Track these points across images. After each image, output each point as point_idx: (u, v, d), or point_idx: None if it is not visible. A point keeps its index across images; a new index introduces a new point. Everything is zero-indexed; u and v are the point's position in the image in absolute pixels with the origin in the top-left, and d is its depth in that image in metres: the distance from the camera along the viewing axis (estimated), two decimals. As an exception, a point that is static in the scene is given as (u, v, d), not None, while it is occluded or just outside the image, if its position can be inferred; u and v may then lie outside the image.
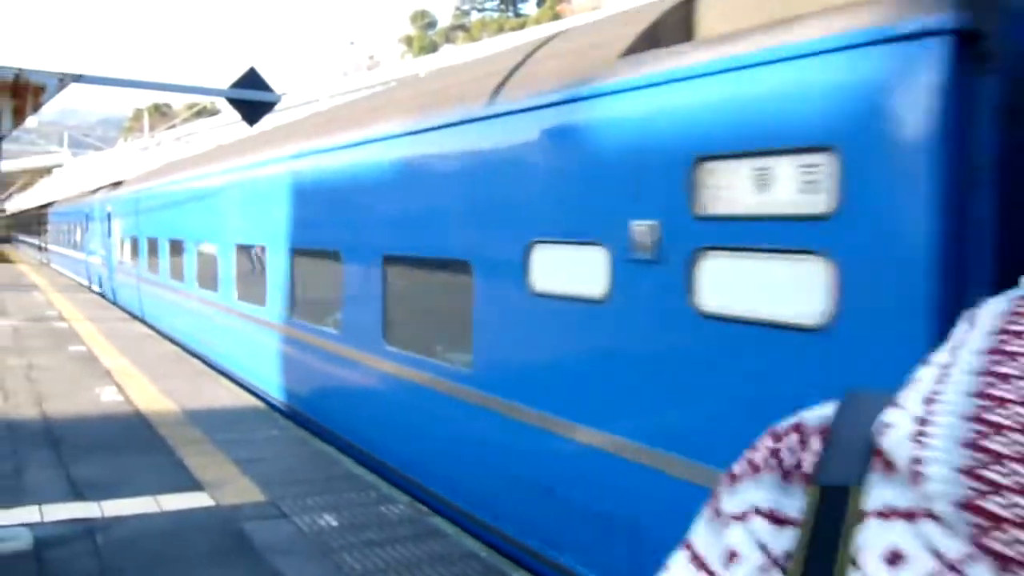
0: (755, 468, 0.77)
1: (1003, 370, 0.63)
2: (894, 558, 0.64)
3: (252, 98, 6.04)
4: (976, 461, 0.61)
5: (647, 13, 5.08)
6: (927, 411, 0.66)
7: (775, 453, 0.77)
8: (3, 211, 49.75)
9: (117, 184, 25.14)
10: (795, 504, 0.73)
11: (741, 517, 0.75)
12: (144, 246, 18.66)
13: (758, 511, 0.74)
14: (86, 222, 29.28)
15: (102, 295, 25.45)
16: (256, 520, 6.20)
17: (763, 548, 0.73)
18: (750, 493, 0.76)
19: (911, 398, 0.69)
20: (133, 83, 6.67)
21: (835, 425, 0.75)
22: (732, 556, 0.74)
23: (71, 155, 51.24)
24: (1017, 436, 0.60)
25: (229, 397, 10.67)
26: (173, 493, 6.75)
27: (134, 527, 6.02)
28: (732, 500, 0.77)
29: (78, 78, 5.61)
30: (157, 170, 19.94)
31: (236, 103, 6.03)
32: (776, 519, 0.73)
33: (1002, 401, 0.62)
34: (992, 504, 0.60)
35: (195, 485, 7.00)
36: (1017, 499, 0.59)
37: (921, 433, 0.66)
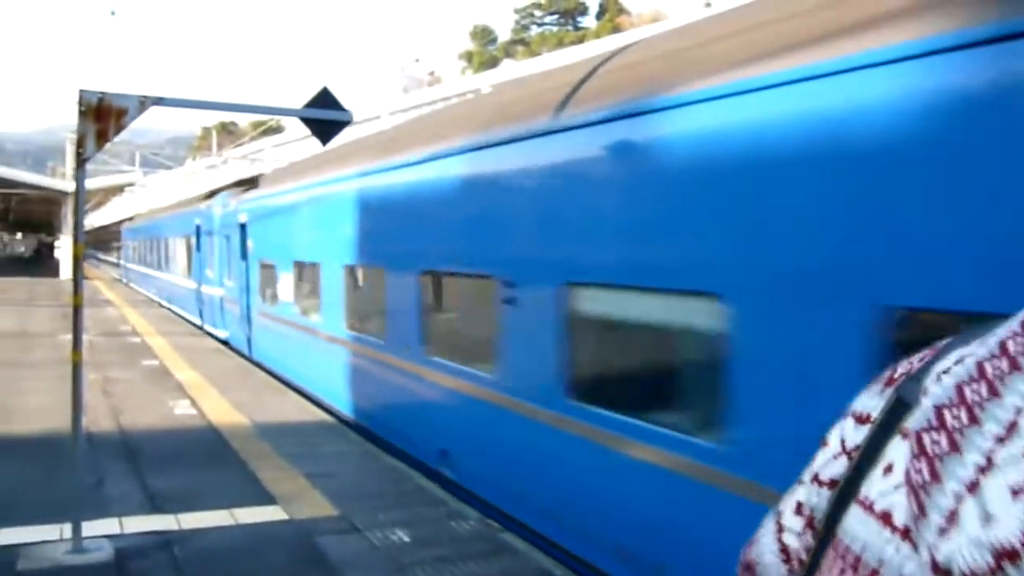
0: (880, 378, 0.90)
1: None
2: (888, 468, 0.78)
3: (325, 117, 6.12)
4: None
5: None
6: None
7: (901, 365, 0.88)
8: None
9: (249, 183, 17.58)
10: (879, 407, 0.84)
11: (845, 415, 0.88)
12: (335, 281, 10.80)
13: (853, 413, 0.87)
14: (195, 238, 21.49)
15: (227, 344, 17.59)
16: (329, 535, 6.24)
17: (842, 441, 0.86)
18: (862, 398, 0.88)
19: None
20: (210, 104, 6.81)
21: (941, 348, 0.84)
22: (822, 444, 0.90)
23: (142, 174, 52.73)
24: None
25: (297, 411, 10.81)
26: (247, 507, 6.84)
27: (211, 540, 6.11)
28: (853, 402, 0.90)
29: (159, 100, 5.76)
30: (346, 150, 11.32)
31: (309, 122, 6.12)
32: (860, 419, 0.86)
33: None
34: None
35: (268, 499, 7.09)
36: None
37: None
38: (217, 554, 5.87)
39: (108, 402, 10.95)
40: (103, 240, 65.38)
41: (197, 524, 6.41)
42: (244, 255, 15.79)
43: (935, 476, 0.71)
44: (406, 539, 6.18)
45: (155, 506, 6.86)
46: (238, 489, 7.36)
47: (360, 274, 10.52)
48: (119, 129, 5.68)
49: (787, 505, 0.93)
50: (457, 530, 6.39)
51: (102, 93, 5.64)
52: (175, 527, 6.35)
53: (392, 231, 9.13)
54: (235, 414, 10.45)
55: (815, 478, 0.88)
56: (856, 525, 0.78)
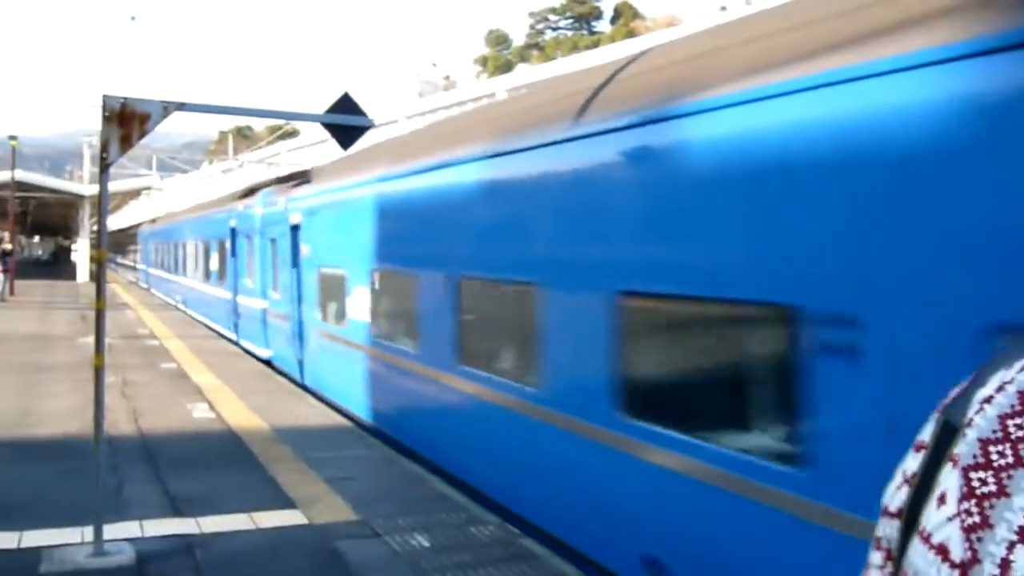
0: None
1: None
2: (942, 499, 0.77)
3: (346, 123, 6.14)
4: None
5: None
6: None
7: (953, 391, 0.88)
8: (94, 231, 51.48)
9: (299, 178, 15.58)
10: (931, 432, 0.84)
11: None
12: (443, 297, 8.11)
13: (915, 443, 0.87)
14: (230, 241, 19.19)
15: (269, 364, 15.46)
16: (349, 539, 6.25)
17: (903, 470, 0.87)
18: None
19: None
20: (232, 110, 6.87)
21: (982, 371, 0.84)
22: (894, 477, 0.90)
23: (159, 178, 53.08)
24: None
25: (315, 415, 10.84)
26: (267, 510, 6.85)
27: (231, 544, 6.13)
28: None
29: (181, 106, 5.78)
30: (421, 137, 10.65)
31: (331, 128, 6.14)
32: (917, 447, 0.86)
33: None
34: None
35: (288, 503, 7.10)
36: None
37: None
38: (238, 558, 5.88)
39: (127, 405, 11.00)
40: (121, 243, 65.77)
41: (218, 528, 6.43)
42: (296, 262, 13.41)
43: (986, 521, 0.71)
44: (426, 544, 6.17)
45: (175, 509, 6.89)
46: (257, 493, 7.38)
47: (487, 290, 7.61)
48: (142, 134, 5.72)
49: (872, 539, 0.93)
50: (477, 536, 6.39)
51: (125, 99, 5.68)
52: (196, 530, 6.37)
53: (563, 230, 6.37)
54: (254, 418, 10.47)
55: (886, 510, 0.88)
56: (917, 557, 0.79)
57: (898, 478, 0.87)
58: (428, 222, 8.73)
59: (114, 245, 70.70)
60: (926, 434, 0.85)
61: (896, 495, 0.87)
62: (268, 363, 15.49)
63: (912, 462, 0.85)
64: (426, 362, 8.50)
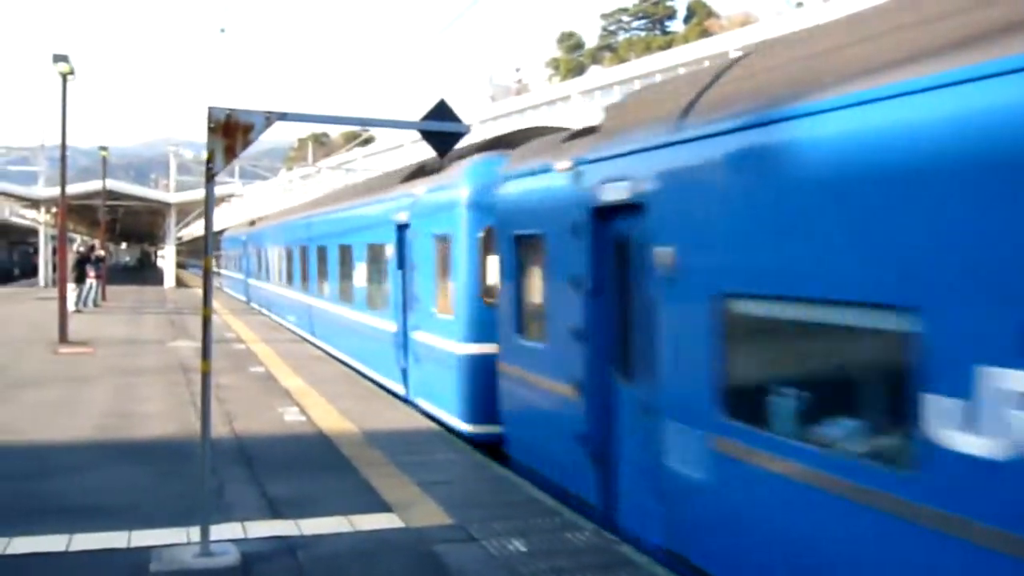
0: None
1: None
2: None
3: (442, 129, 6.19)
4: None
5: None
6: None
7: None
8: (179, 239, 53.01)
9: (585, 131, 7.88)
10: None
11: None
12: None
13: None
14: (395, 246, 12.98)
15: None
16: (446, 543, 6.29)
17: None
18: None
19: None
20: (331, 119, 7.00)
21: None
22: None
23: (241, 185, 54.41)
24: None
25: (404, 419, 10.96)
26: (364, 514, 6.94)
27: (332, 546, 6.22)
28: None
29: (283, 116, 5.91)
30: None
31: (428, 135, 6.20)
32: None
33: None
34: None
35: (383, 506, 7.18)
36: None
37: None
38: (339, 559, 5.97)
39: (221, 408, 11.26)
40: (198, 251, 67.58)
41: (317, 530, 6.53)
42: (585, 277, 7.17)
43: None
44: (522, 549, 6.18)
45: (275, 511, 7.02)
46: (353, 496, 7.49)
47: None
48: (246, 144, 5.85)
49: None
50: (573, 541, 6.37)
51: (230, 110, 5.81)
52: (296, 532, 6.48)
53: None
54: (343, 421, 10.63)
55: None
56: None
57: None
58: None
59: (196, 252, 72.60)
60: None
61: None
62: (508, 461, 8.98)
63: None
64: None
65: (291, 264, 24.03)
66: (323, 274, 19.06)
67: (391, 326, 13.22)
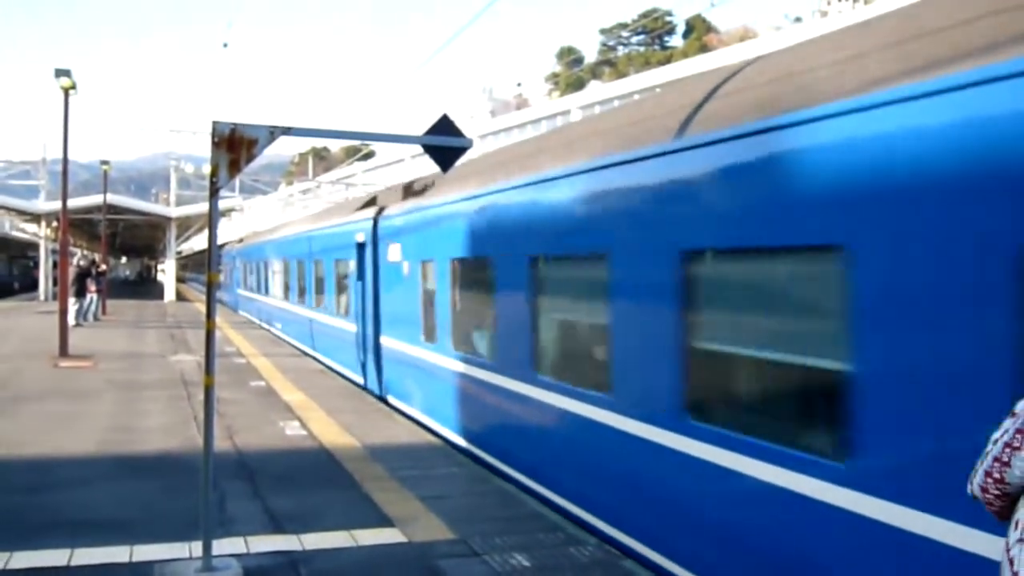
0: None
1: None
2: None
3: (445, 144, 6.21)
4: None
5: None
6: None
7: None
8: (179, 252, 53.00)
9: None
10: None
11: None
12: None
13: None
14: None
15: None
16: (449, 558, 6.26)
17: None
18: None
19: None
20: (335, 133, 7.02)
21: None
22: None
23: (241, 199, 54.45)
24: None
25: (405, 433, 10.93)
26: (366, 528, 6.92)
27: (334, 561, 6.20)
28: None
29: (287, 131, 5.92)
30: None
31: (430, 149, 6.22)
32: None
33: None
34: None
35: (385, 520, 7.16)
36: None
37: None
38: (342, 574, 5.95)
39: (223, 422, 11.24)
40: (202, 264, 67.68)
41: (319, 544, 6.51)
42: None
43: None
44: (526, 563, 6.16)
45: (277, 526, 7.01)
46: (355, 510, 7.47)
47: None
48: (250, 159, 5.87)
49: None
50: (577, 556, 6.35)
51: (234, 124, 5.83)
52: (298, 547, 6.46)
53: None
54: (344, 435, 10.62)
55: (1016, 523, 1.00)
56: None
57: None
58: None
59: (199, 265, 72.68)
60: None
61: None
62: None
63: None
64: None
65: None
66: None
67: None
